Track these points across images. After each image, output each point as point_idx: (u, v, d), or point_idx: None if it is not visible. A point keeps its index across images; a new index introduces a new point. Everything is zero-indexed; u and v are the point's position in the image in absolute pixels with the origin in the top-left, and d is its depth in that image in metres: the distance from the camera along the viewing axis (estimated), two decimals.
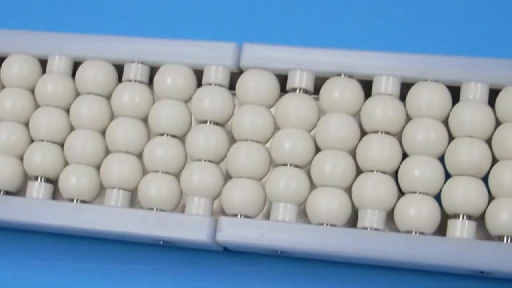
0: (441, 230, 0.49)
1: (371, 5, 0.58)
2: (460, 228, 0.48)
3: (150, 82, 0.54)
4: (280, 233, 0.49)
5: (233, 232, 0.49)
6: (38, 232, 0.55)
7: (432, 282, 0.51)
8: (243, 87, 0.52)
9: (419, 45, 0.56)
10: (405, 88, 0.50)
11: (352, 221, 0.50)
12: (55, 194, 0.54)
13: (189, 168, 0.51)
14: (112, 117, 0.54)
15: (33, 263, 0.55)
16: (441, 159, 0.49)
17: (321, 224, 0.49)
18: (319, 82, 0.51)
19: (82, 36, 0.55)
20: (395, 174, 0.50)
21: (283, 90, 0.52)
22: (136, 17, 0.60)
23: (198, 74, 0.53)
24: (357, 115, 0.51)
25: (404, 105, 0.50)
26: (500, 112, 0.49)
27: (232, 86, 0.53)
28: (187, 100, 0.53)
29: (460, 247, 0.47)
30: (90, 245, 0.55)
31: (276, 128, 0.52)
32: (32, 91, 0.55)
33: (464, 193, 0.48)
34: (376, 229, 0.49)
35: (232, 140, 0.52)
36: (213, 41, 0.53)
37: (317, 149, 0.51)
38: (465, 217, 0.48)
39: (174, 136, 0.52)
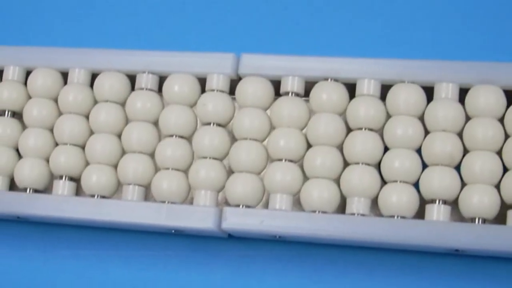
0: (420, 214, 0.49)
1: (353, 17, 0.57)
2: (437, 212, 0.48)
3: (160, 89, 0.54)
4: (278, 220, 0.49)
5: (236, 221, 0.50)
6: (63, 225, 0.55)
7: (412, 260, 0.51)
8: (241, 92, 0.52)
9: (396, 51, 0.55)
10: (384, 89, 0.50)
11: (341, 208, 0.50)
12: (78, 191, 0.54)
13: (196, 165, 0.51)
14: (127, 121, 0.54)
15: (60, 252, 0.55)
16: (418, 151, 0.49)
17: (314, 211, 0.49)
18: (309, 86, 0.51)
19: (98, 51, 0.54)
20: (378, 166, 0.50)
21: (277, 94, 0.52)
22: (145, 33, 0.59)
23: (202, 82, 0.53)
24: (343, 114, 0.51)
25: (384, 104, 0.50)
26: (469, 109, 0.49)
27: (232, 92, 0.53)
28: (193, 105, 0.53)
29: (437, 229, 0.47)
30: (110, 235, 0.55)
31: (272, 127, 0.52)
32: (56, 100, 0.54)
33: (439, 181, 0.48)
34: (362, 215, 0.49)
35: (233, 139, 0.52)
36: (214, 52, 0.53)
37: (309, 145, 0.51)
38: (440, 202, 0.48)
39: (182, 137, 0.52)
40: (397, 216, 0.48)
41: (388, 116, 0.50)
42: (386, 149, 0.50)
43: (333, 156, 0.50)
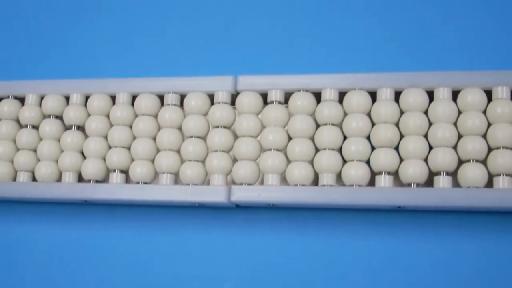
0: (371, 182, 0.53)
1: (316, 44, 0.59)
2: (383, 180, 0.52)
3: (181, 104, 0.57)
4: (271, 193, 0.53)
5: (241, 195, 0.53)
6: (118, 205, 0.58)
7: (367, 216, 0.55)
8: (240, 103, 0.55)
9: (348, 67, 0.57)
10: (341, 95, 0.54)
11: (315, 181, 0.54)
12: (127, 180, 0.57)
13: (210, 157, 0.55)
14: (159, 128, 0.57)
15: (117, 225, 0.58)
16: (368, 138, 0.53)
17: (296, 185, 0.53)
18: (287, 96, 0.55)
19: (136, 79, 0.57)
20: (340, 150, 0.54)
21: (265, 102, 0.55)
22: (169, 64, 0.61)
23: (211, 97, 0.56)
24: (312, 115, 0.54)
25: (342, 106, 0.54)
26: (403, 106, 0.53)
27: (233, 103, 0.56)
28: (205, 114, 0.56)
29: (384, 192, 0.51)
30: (152, 211, 0.58)
31: (263, 127, 0.55)
32: (107, 116, 0.58)
33: (384, 158, 0.52)
34: (330, 186, 0.52)
35: (235, 137, 0.55)
36: (219, 75, 0.56)
37: (289, 138, 0.54)
38: (386, 173, 0.52)
39: (199, 137, 0.55)
40: (355, 185, 0.52)
41: (345, 114, 0.54)
42: (345, 138, 0.53)
43: (307, 145, 0.53)
